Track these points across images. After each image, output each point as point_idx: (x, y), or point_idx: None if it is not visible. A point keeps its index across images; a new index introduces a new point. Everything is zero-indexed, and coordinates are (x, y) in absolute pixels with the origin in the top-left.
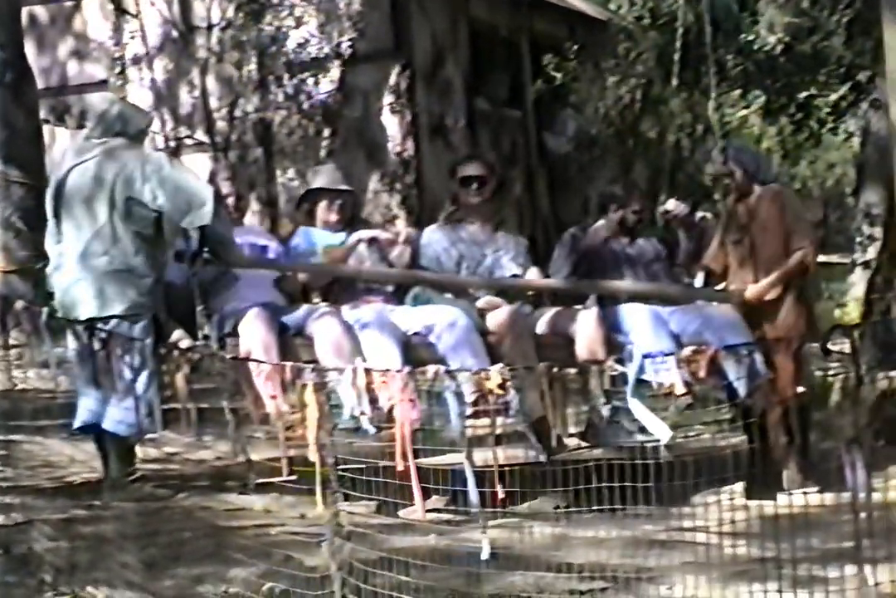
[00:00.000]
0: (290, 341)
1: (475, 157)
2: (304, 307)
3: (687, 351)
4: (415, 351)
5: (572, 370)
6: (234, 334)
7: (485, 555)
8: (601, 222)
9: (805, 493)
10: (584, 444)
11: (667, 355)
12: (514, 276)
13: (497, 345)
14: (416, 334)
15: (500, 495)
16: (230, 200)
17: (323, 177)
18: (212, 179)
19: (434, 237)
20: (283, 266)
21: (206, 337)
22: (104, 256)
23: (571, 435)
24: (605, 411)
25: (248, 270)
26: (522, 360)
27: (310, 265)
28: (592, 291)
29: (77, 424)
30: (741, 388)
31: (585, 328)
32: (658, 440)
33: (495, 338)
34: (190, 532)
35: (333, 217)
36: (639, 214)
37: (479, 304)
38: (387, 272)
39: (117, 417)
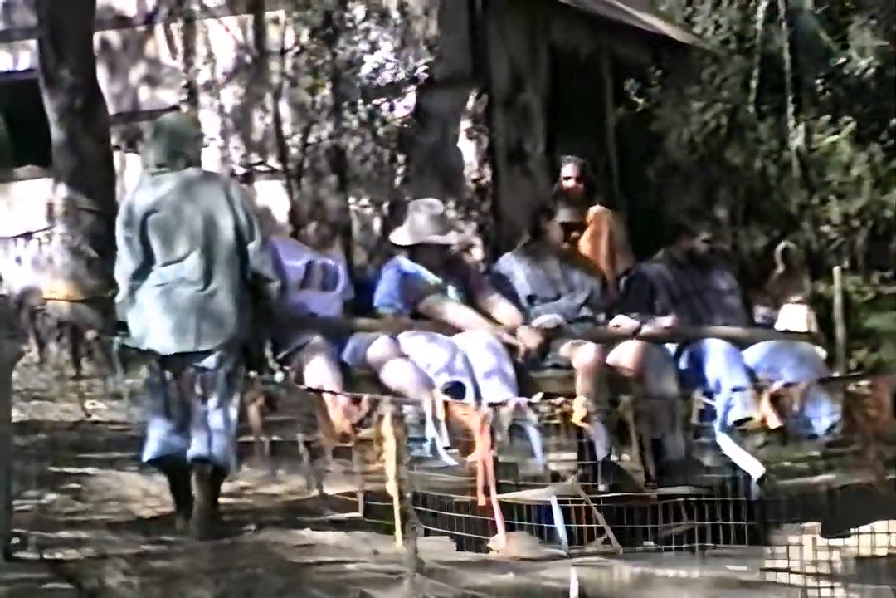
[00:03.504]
0: (353, 374)
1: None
2: (359, 337)
3: (778, 385)
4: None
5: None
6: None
7: (574, 594)
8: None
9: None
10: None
11: (741, 389)
12: (586, 318)
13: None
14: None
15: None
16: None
17: (432, 225)
18: None
19: (510, 266)
20: (329, 324)
21: (271, 371)
22: (185, 290)
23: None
24: (679, 446)
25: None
26: (599, 395)
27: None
28: (689, 335)
29: (148, 456)
30: (820, 425)
31: (656, 362)
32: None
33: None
34: (262, 568)
35: (436, 264)
36: (710, 243)
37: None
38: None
39: (201, 449)
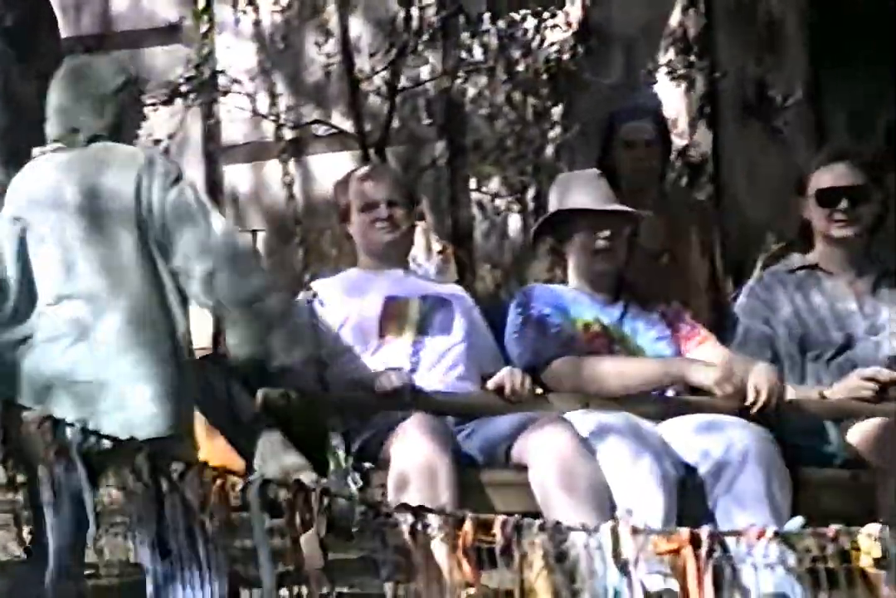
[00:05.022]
0: (478, 476)
1: (845, 155)
2: (508, 418)
3: None
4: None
5: None
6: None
7: None
8: None
9: None
10: None
11: None
12: None
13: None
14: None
15: None
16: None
17: (587, 190)
18: None
19: (768, 293)
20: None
21: (340, 470)
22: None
23: None
24: None
25: None
26: None
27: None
28: None
29: None
30: None
31: None
32: None
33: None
34: None
35: (602, 266)
36: None
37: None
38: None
39: None
